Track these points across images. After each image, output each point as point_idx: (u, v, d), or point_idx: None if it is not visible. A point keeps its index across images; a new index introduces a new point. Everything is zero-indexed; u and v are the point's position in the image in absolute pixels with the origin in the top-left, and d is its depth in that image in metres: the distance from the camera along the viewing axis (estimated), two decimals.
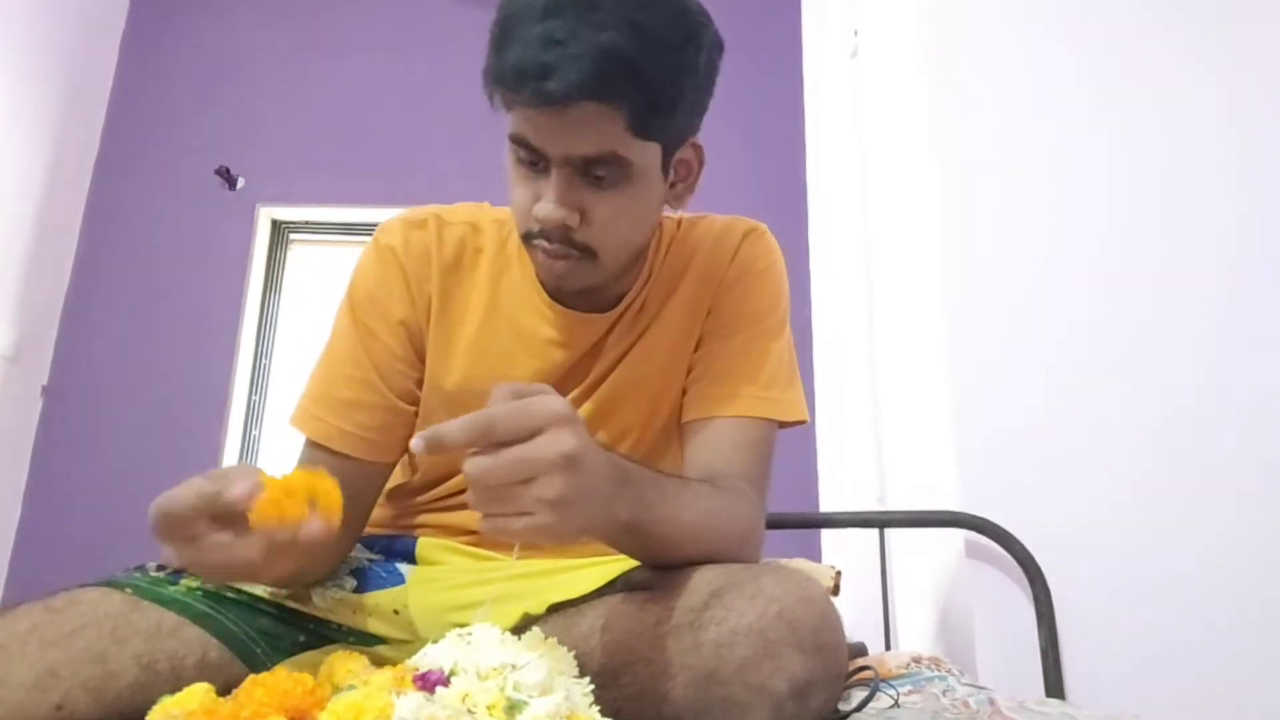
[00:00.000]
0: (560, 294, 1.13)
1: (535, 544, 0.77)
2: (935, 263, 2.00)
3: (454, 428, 0.71)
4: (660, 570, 0.95)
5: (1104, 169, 2.02)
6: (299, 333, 3.65)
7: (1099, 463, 1.86)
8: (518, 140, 0.97)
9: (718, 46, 1.02)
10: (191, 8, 3.83)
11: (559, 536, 0.73)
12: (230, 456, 3.41)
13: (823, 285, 3.05)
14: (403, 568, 1.13)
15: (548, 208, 0.96)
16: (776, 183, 3.43)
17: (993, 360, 1.92)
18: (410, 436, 0.88)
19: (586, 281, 1.05)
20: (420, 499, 1.19)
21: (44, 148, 3.39)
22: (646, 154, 0.98)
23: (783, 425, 1.14)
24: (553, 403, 0.73)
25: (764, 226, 1.22)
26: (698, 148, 1.09)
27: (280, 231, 3.76)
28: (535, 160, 0.97)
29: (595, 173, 0.96)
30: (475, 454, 0.71)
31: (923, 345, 2.05)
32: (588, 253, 1.01)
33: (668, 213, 1.20)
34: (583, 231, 0.99)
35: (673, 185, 1.09)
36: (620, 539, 0.90)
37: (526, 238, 1.03)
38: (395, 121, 3.67)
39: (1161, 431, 1.86)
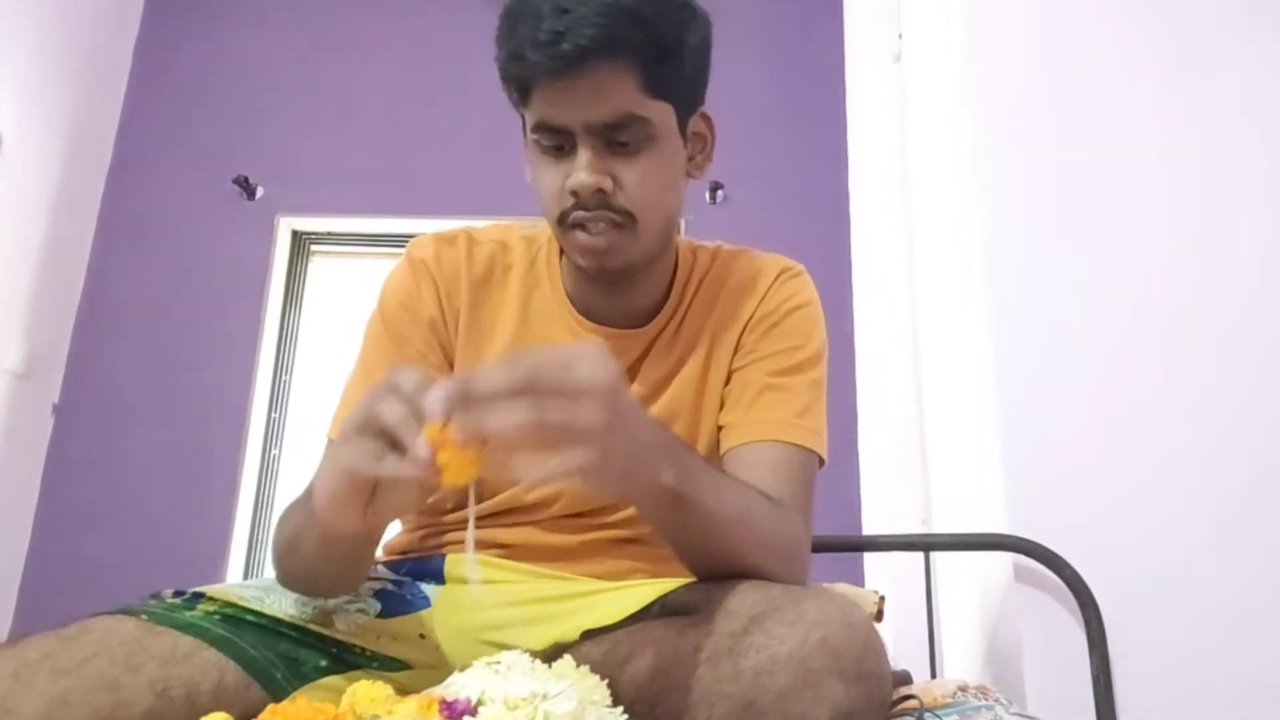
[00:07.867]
0: (592, 311, 1.16)
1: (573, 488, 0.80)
2: (980, 276, 1.97)
3: (494, 373, 0.72)
4: (697, 590, 0.93)
5: (1156, 178, 1.97)
6: (320, 347, 3.63)
7: (1152, 483, 1.80)
8: (540, 127, 1.02)
9: (708, 19, 1.09)
10: (208, 12, 3.84)
11: (600, 475, 0.74)
12: (249, 476, 3.39)
13: (865, 298, 3.03)
14: (428, 591, 1.12)
15: (580, 176, 1.01)
16: (818, 189, 3.43)
17: (1041, 378, 1.88)
18: None
19: (627, 257, 1.07)
20: (449, 518, 1.18)
21: (55, 157, 3.39)
22: (662, 115, 1.04)
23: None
24: (588, 345, 0.80)
25: (802, 268, 1.24)
26: (708, 119, 1.15)
27: (301, 243, 3.76)
28: (560, 144, 1.03)
29: (619, 139, 1.02)
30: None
31: (968, 362, 2.03)
32: (627, 219, 1.04)
33: (699, 232, 1.23)
34: (618, 197, 1.03)
35: (691, 157, 1.14)
36: (662, 508, 0.89)
37: (561, 221, 1.06)
38: (419, 130, 3.66)
39: (1217, 451, 1.81)
